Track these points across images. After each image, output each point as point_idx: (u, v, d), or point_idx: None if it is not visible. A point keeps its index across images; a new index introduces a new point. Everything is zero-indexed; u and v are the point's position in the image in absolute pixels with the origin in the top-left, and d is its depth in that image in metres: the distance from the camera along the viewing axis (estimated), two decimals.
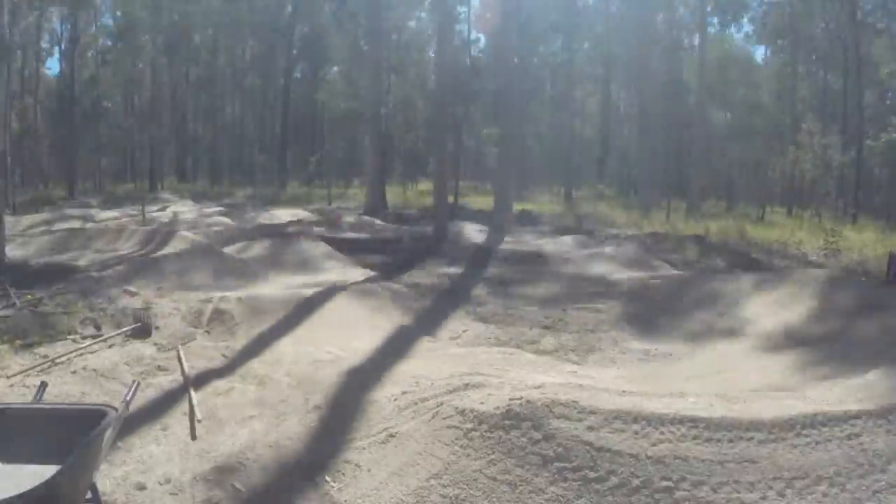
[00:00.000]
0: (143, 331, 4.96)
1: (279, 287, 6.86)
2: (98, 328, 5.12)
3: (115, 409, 2.10)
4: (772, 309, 5.94)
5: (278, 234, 10.78)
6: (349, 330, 5.41)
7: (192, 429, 3.43)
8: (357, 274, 8.01)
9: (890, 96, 30.14)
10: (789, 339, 5.17)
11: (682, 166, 31.65)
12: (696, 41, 29.58)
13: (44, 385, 2.46)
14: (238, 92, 36.14)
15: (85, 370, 4.07)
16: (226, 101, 37.01)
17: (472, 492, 2.64)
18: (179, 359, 4.41)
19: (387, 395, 3.68)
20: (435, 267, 8.69)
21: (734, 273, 8.42)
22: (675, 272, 9.03)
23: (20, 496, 1.69)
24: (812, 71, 35.80)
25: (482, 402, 3.18)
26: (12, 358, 4.25)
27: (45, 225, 14.12)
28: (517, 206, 18.51)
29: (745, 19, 37.11)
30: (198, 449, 3.25)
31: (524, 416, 2.94)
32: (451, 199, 16.88)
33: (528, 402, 3.06)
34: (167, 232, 10.09)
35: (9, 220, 12.21)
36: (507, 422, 2.93)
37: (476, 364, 4.35)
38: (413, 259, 9.12)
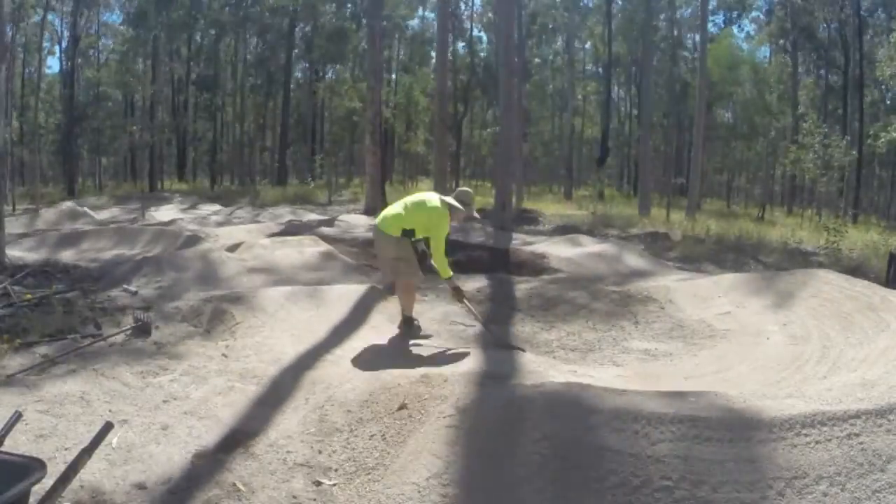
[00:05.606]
0: (143, 330, 4.96)
1: (280, 287, 6.84)
2: (98, 327, 5.12)
3: (45, 468, 1.75)
4: (770, 308, 5.94)
5: (281, 234, 10.79)
6: (350, 330, 5.41)
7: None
8: (358, 275, 8.01)
9: (890, 96, 30.15)
10: (788, 339, 5.17)
11: (683, 166, 31.66)
12: (698, 40, 29.56)
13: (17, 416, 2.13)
14: (239, 91, 36.14)
15: (85, 370, 4.07)
16: (226, 100, 37.01)
17: (472, 491, 2.64)
18: None
19: (388, 394, 3.68)
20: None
21: (734, 272, 8.42)
22: (675, 271, 9.04)
23: None
24: (812, 70, 35.82)
25: (482, 401, 3.18)
26: (12, 357, 4.25)
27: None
28: (517, 206, 18.52)
29: (747, 20, 37.24)
30: (197, 448, 3.26)
31: (524, 415, 2.94)
32: None
33: (528, 401, 3.06)
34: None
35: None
36: (507, 421, 2.93)
37: (476, 363, 4.35)
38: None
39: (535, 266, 9.15)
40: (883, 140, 21.79)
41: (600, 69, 38.99)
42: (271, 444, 3.31)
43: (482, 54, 32.98)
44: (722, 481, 2.53)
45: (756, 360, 4.85)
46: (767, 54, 36.34)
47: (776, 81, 30.87)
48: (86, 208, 17.34)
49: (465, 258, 9.15)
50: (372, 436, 3.30)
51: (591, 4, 38.34)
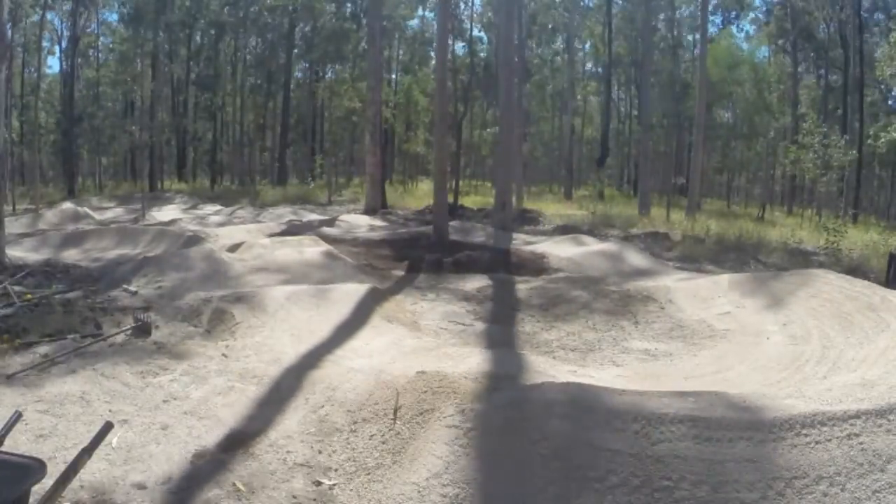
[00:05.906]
0: (143, 330, 4.96)
1: (280, 287, 6.84)
2: (98, 327, 5.12)
3: (45, 468, 1.68)
4: (770, 308, 5.94)
5: (282, 234, 10.79)
6: (350, 330, 5.41)
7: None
8: (358, 275, 8.01)
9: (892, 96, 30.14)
10: (788, 339, 5.17)
11: (683, 166, 31.66)
12: (698, 40, 29.58)
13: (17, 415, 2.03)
14: (239, 91, 36.12)
15: (85, 370, 4.07)
16: (226, 100, 36.96)
17: (472, 491, 2.64)
18: None
19: (387, 394, 3.68)
20: (435, 268, 8.68)
21: (734, 272, 8.42)
22: (675, 271, 9.04)
23: None
24: (812, 70, 35.81)
25: (482, 401, 3.18)
26: (12, 357, 4.25)
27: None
28: (517, 206, 18.52)
29: (746, 20, 37.23)
30: (197, 448, 3.26)
31: (524, 415, 2.94)
32: (451, 198, 16.90)
33: (527, 401, 3.06)
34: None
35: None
36: (507, 421, 2.93)
37: (476, 363, 4.35)
38: (415, 260, 9.10)
39: (536, 266, 9.16)
40: (883, 140, 21.78)
41: (600, 69, 39.00)
42: (271, 444, 3.31)
43: (482, 54, 32.91)
44: (722, 481, 2.53)
45: (756, 360, 4.86)
46: (767, 54, 36.33)
47: (776, 81, 30.85)
48: (87, 209, 17.33)
49: (465, 258, 9.16)
50: (372, 436, 3.30)
51: (591, 4, 38.37)
